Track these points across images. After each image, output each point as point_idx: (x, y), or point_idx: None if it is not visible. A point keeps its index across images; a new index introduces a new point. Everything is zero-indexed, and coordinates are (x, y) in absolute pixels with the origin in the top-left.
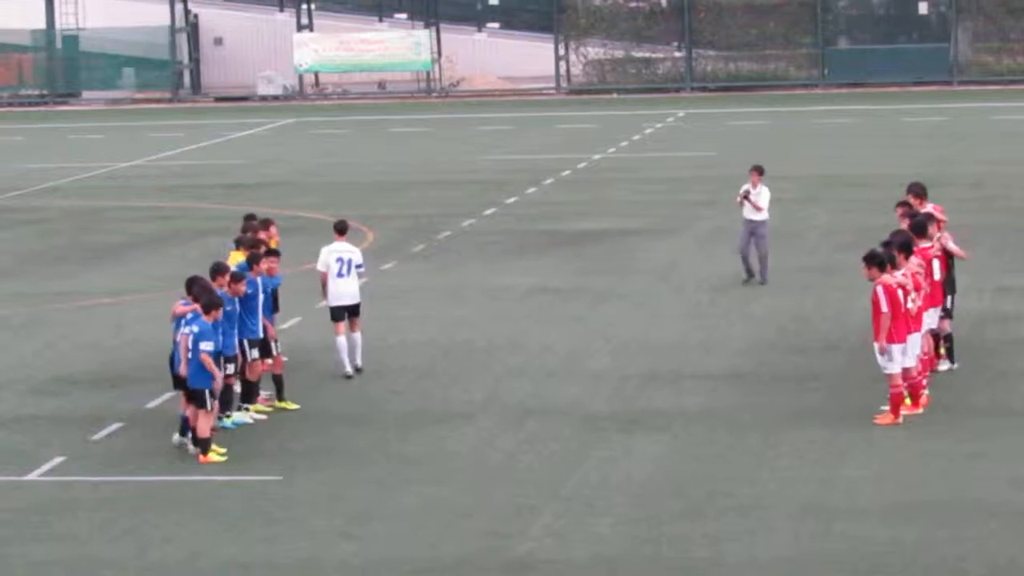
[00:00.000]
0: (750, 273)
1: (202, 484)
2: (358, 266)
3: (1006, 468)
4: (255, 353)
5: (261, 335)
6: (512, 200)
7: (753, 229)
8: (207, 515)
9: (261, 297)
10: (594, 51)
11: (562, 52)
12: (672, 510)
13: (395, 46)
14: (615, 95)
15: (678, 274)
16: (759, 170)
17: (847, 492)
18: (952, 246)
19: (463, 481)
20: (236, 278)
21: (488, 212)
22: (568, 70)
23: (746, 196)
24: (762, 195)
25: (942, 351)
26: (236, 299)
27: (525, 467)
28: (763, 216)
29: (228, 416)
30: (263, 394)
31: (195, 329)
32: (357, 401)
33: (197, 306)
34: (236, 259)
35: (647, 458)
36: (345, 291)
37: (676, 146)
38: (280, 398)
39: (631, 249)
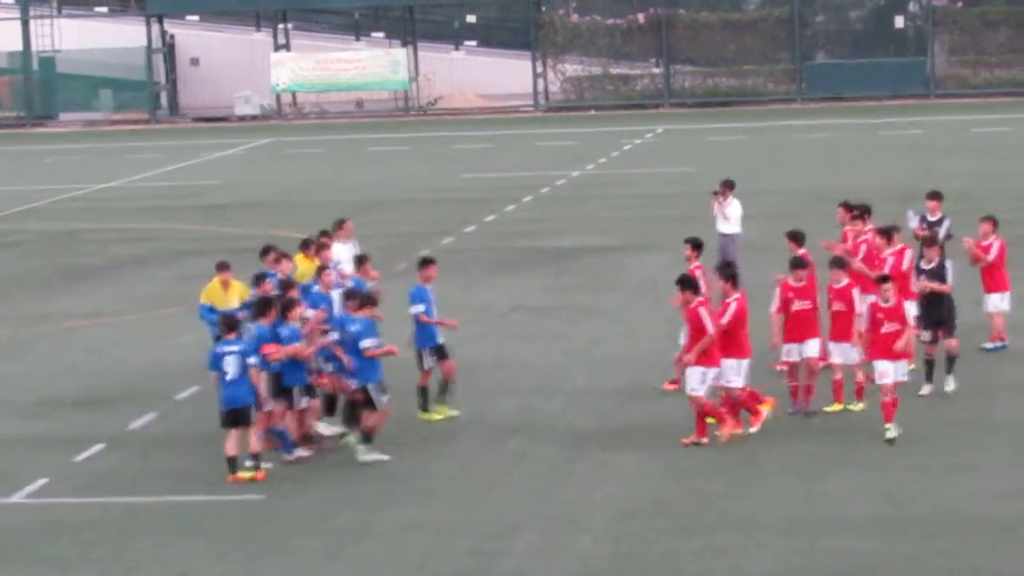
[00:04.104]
0: None
1: (186, 505)
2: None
3: (991, 481)
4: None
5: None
6: (491, 218)
7: (724, 245)
8: (191, 536)
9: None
10: (572, 68)
11: (540, 69)
12: (658, 526)
13: (372, 65)
14: (593, 112)
15: (657, 290)
16: (730, 185)
17: (834, 506)
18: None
19: (448, 499)
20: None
21: (468, 230)
22: (546, 87)
23: (716, 199)
24: (732, 206)
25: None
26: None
27: (509, 485)
28: (734, 229)
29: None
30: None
31: (357, 328)
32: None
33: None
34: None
35: (631, 474)
36: None
37: (655, 162)
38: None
39: (610, 266)
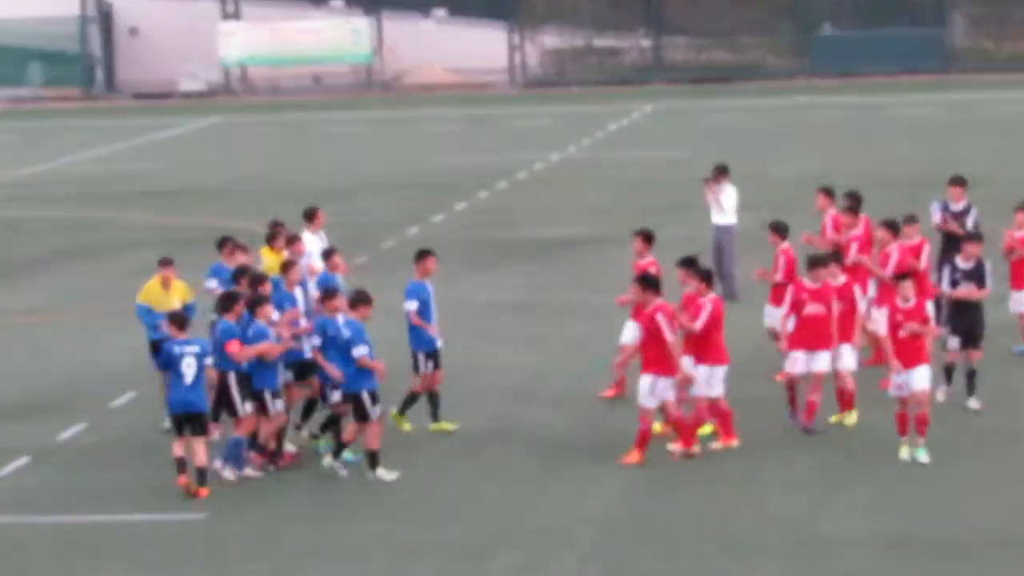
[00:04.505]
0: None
1: (121, 525)
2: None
3: (1017, 496)
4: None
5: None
6: (462, 206)
7: (719, 237)
8: (128, 559)
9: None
10: (552, 40)
11: (517, 41)
12: (647, 546)
13: (332, 36)
14: (575, 88)
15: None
16: (723, 171)
17: (840, 524)
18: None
19: (413, 516)
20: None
21: (436, 219)
22: (523, 61)
23: (708, 186)
24: (726, 193)
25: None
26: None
27: (484, 499)
28: (729, 219)
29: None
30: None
31: (348, 332)
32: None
33: None
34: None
35: (618, 488)
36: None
37: (643, 145)
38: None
39: (594, 259)
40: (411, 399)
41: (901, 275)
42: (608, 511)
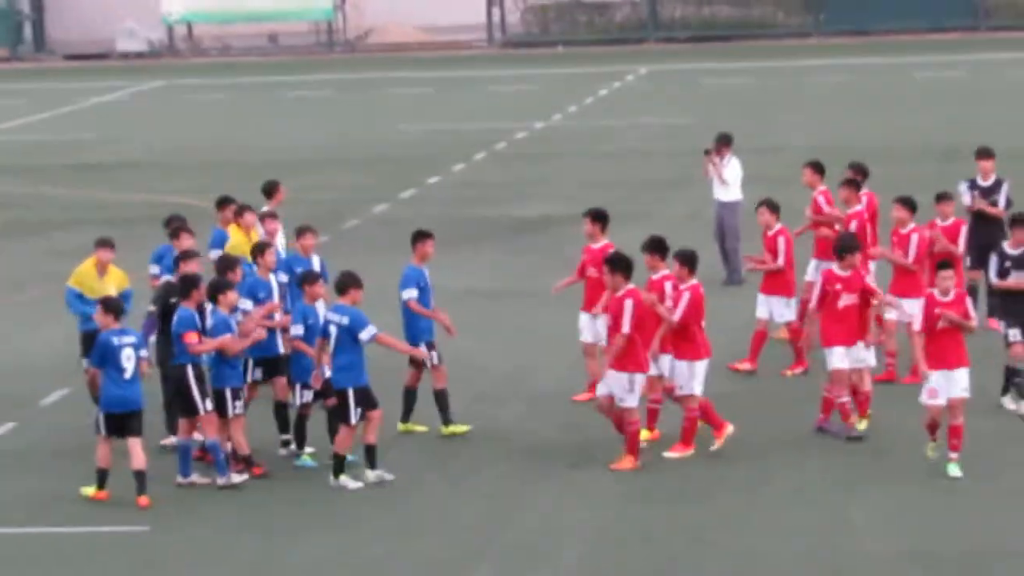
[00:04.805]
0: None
1: (54, 538)
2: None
3: None
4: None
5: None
6: (435, 180)
7: (722, 215)
8: (65, 575)
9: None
10: None
11: None
12: (639, 563)
13: None
14: (561, 48)
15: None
16: (726, 141)
17: (857, 539)
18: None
19: (376, 528)
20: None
21: (406, 195)
22: (503, 17)
23: (710, 158)
24: (731, 167)
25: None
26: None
27: (456, 510)
28: (733, 196)
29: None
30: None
31: (346, 319)
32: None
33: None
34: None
35: (607, 498)
36: None
37: (637, 111)
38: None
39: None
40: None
41: (941, 263)
42: (595, 524)
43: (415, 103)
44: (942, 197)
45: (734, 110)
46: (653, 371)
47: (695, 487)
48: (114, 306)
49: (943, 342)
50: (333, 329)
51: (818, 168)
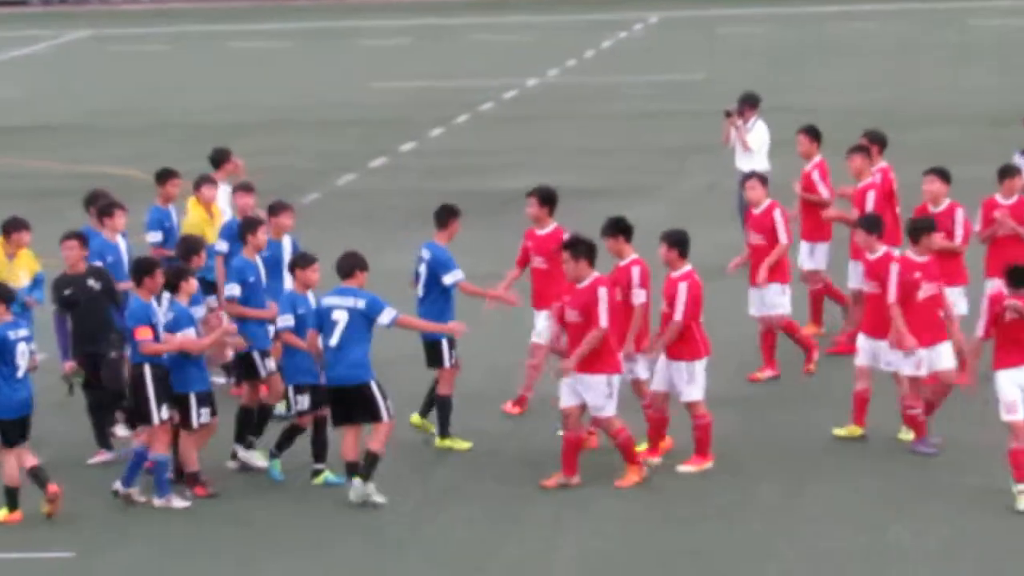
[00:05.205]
0: None
1: None
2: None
3: None
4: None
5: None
6: (409, 147)
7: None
8: None
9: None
10: None
11: None
12: None
13: None
14: None
15: (650, 255)
16: (752, 102)
17: (906, 567)
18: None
19: (345, 554)
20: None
21: (375, 164)
22: None
23: (732, 122)
24: (756, 132)
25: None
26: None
27: (434, 534)
28: (759, 164)
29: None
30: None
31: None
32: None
33: None
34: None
35: (608, 519)
36: None
37: (646, 66)
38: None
39: (582, 218)
40: (440, 405)
41: (1016, 270)
42: (594, 551)
43: (386, 56)
44: (1008, 172)
45: (756, 65)
46: (626, 373)
47: (713, 506)
48: (5, 295)
49: (1015, 334)
50: (343, 316)
51: (814, 135)
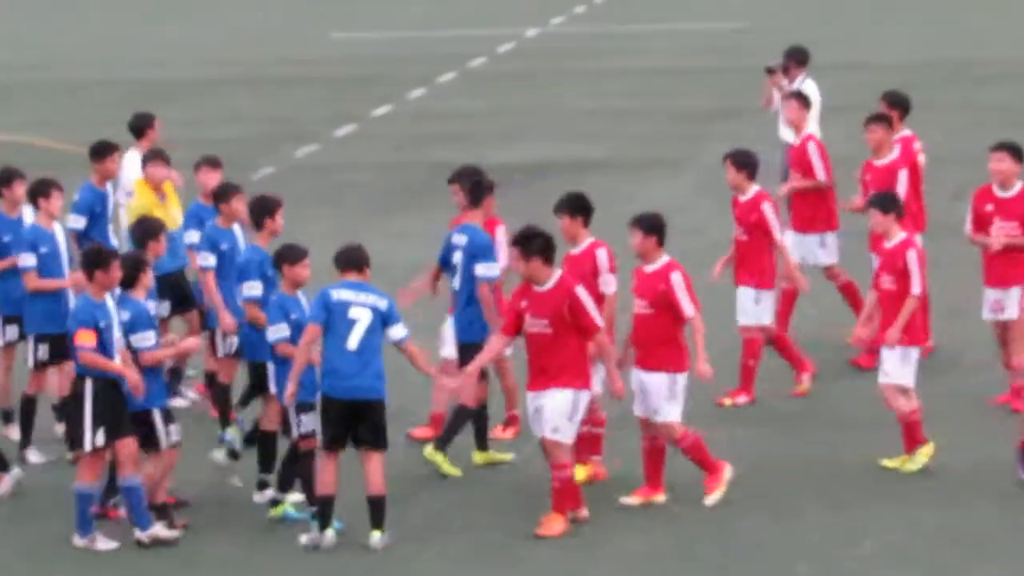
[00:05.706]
0: None
1: None
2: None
3: None
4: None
5: None
6: (384, 110)
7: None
8: None
9: None
10: None
11: None
12: None
13: None
14: None
15: (670, 239)
16: (799, 58)
17: None
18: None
19: None
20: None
21: (342, 132)
22: None
23: (775, 81)
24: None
25: None
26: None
27: (410, 573)
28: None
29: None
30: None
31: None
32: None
33: None
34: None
35: (631, 558)
36: None
37: (671, 12)
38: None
39: (590, 196)
40: (476, 419)
41: None
42: None
43: (355, 1)
44: None
45: (804, 12)
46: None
47: (730, 536)
48: None
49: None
50: (364, 315)
51: (801, 100)
